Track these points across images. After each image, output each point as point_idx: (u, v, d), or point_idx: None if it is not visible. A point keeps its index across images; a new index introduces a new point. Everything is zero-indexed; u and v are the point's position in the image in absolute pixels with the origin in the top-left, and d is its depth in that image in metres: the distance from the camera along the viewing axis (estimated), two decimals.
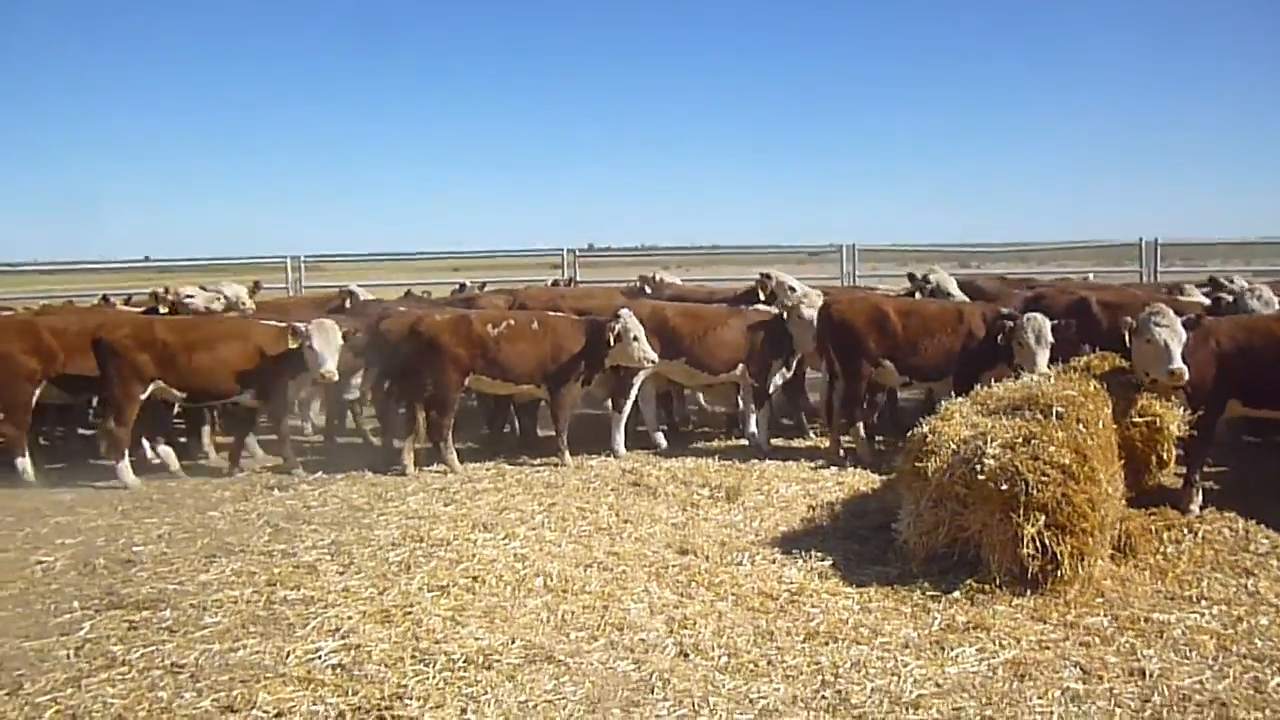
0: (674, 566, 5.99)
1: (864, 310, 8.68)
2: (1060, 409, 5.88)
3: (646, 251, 22.88)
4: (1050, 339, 7.91)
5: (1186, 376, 6.41)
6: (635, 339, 8.51)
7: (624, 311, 8.58)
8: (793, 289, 9.64)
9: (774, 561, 6.09)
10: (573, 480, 8.15)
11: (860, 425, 8.79)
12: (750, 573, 5.88)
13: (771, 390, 9.29)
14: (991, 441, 5.68)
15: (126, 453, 8.46)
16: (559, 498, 7.57)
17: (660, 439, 9.40)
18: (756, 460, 8.66)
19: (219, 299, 10.54)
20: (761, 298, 9.88)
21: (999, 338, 8.16)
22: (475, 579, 5.78)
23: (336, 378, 8.48)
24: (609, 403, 9.51)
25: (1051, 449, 5.53)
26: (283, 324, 8.64)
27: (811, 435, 9.88)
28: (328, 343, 8.27)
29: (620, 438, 9.04)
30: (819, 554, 6.11)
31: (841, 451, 8.77)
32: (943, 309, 8.91)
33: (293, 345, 8.36)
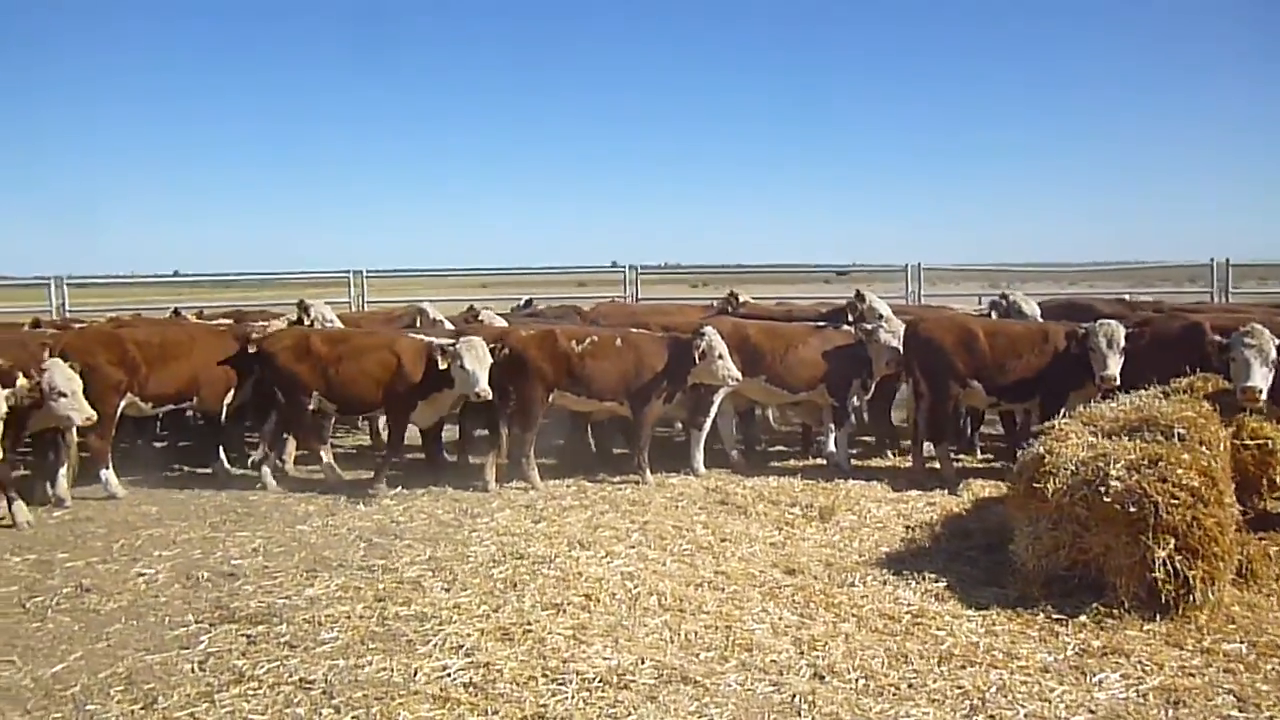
0: (787, 586, 5.91)
1: (952, 330, 8.61)
2: (1181, 430, 5.79)
3: (702, 269, 22.74)
4: (1122, 344, 7.88)
5: (1263, 396, 6.48)
6: (720, 357, 8.44)
7: (708, 329, 8.53)
8: (880, 315, 9.58)
9: (885, 583, 6.00)
10: (658, 498, 8.09)
11: (946, 446, 8.70)
12: (865, 594, 5.79)
13: (850, 410, 9.22)
14: (1114, 463, 5.59)
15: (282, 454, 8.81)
16: (649, 516, 7.51)
17: (736, 457, 9.33)
18: (840, 480, 8.58)
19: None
20: (850, 319, 9.82)
21: (1073, 346, 8.13)
22: (588, 597, 5.73)
23: (490, 396, 8.23)
24: (679, 423, 9.45)
25: (1179, 471, 5.43)
26: (428, 339, 8.65)
27: (889, 455, 9.77)
28: (479, 360, 8.13)
29: (700, 456, 8.98)
30: (932, 576, 6.01)
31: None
32: (1029, 329, 8.83)
33: (442, 365, 8.25)
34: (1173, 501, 5.33)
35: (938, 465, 8.67)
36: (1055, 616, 5.37)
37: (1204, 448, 5.69)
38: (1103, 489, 5.49)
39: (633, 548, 6.70)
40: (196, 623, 5.56)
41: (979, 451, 9.90)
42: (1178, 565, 5.27)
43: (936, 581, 5.94)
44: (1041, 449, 6.01)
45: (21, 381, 7.31)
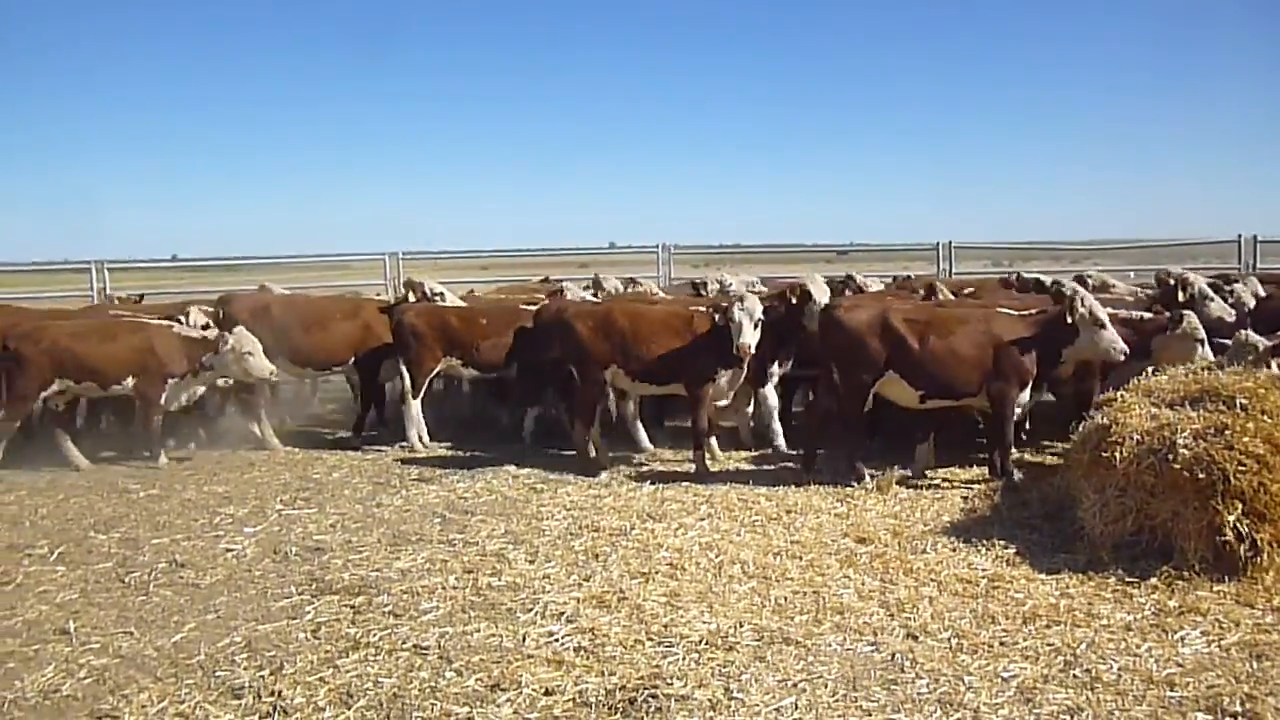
0: (862, 554, 6.13)
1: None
2: (1243, 400, 6.01)
3: (704, 250, 22.75)
4: None
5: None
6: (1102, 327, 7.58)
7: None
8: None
9: (955, 550, 6.21)
10: (712, 469, 8.29)
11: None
12: (939, 560, 6.01)
13: None
14: (1181, 432, 5.80)
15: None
16: (712, 489, 7.72)
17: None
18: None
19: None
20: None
21: None
22: (673, 566, 5.94)
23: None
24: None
25: (1245, 439, 5.65)
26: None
27: None
28: None
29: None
30: (1000, 543, 6.23)
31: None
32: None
33: None
34: (1240, 468, 5.55)
35: None
36: (1127, 579, 5.59)
37: (1265, 417, 5.91)
38: (1171, 457, 5.71)
39: (704, 519, 6.91)
40: (298, 594, 5.76)
41: None
42: (1244, 529, 5.50)
43: (1006, 548, 6.15)
44: (1105, 419, 6.23)
45: None
